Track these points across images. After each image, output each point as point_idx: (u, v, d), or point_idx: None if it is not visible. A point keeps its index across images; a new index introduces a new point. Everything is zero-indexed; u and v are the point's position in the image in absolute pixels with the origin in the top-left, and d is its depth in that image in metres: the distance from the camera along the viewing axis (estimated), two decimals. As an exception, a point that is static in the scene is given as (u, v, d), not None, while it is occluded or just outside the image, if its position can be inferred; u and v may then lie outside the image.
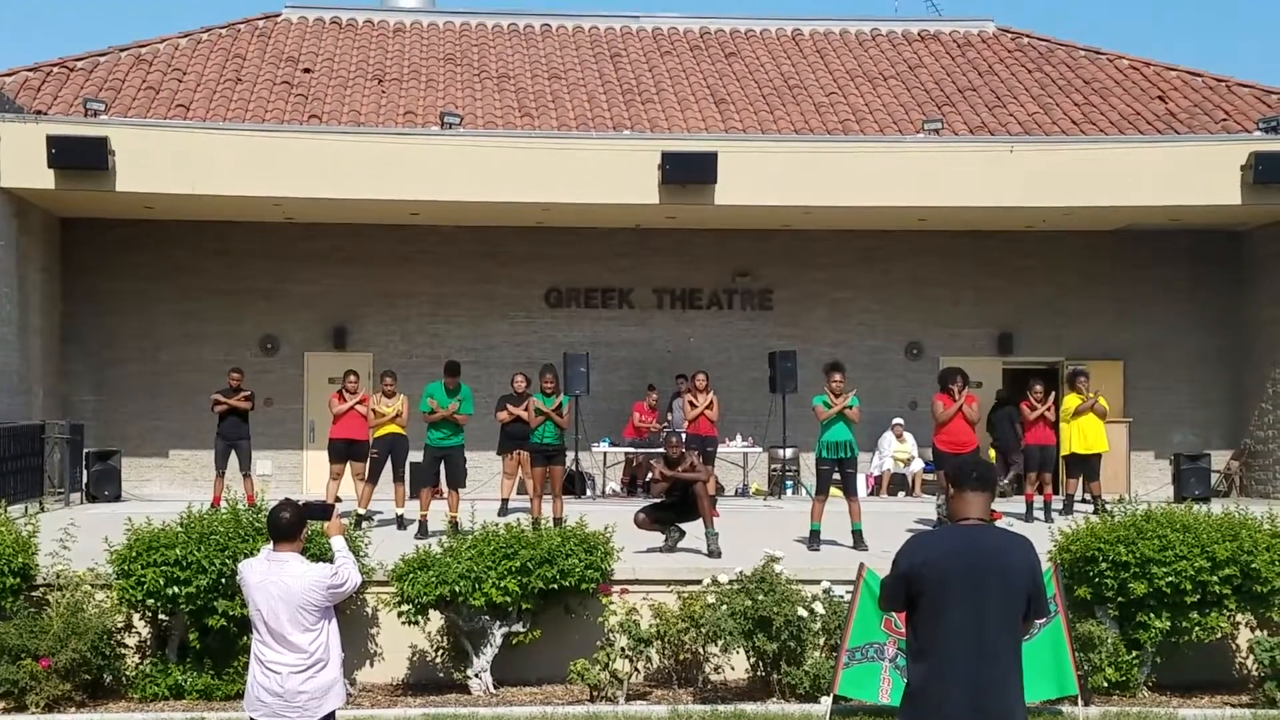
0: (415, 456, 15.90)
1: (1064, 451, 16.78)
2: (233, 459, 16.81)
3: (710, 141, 19.46)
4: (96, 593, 10.94)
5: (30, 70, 20.89)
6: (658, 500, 13.99)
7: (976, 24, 25.05)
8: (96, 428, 20.35)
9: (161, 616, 11.02)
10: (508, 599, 10.77)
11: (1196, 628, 10.91)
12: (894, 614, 6.13)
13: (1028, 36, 24.52)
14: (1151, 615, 10.86)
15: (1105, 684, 10.78)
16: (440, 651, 11.32)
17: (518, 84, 21.98)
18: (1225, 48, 67.49)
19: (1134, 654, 10.94)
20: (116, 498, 18.82)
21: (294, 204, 19.60)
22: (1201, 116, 21.05)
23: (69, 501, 18.08)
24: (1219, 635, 11.16)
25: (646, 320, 22.13)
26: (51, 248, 20.53)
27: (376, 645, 11.50)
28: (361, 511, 15.07)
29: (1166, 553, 10.78)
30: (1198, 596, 10.81)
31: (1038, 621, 6.07)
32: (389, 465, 15.54)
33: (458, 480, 15.04)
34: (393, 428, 15.38)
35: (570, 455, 18.03)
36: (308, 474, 21.11)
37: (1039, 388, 16.64)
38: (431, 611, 10.98)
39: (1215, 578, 10.78)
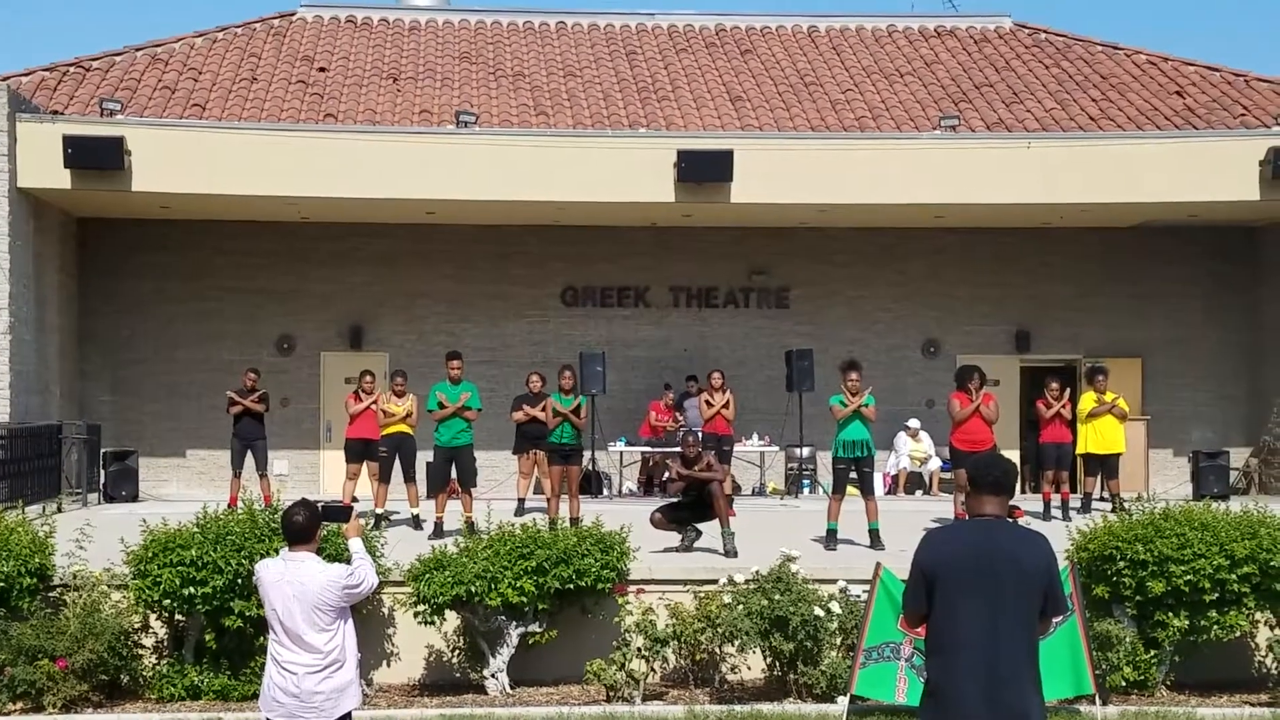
0: (424, 456, 15.93)
1: (1080, 451, 16.73)
2: (249, 459, 16.89)
3: (726, 140, 19.44)
4: (113, 593, 10.98)
5: (46, 70, 20.98)
6: (674, 500, 14.00)
7: (993, 19, 24.99)
8: (113, 428, 20.44)
9: (178, 617, 11.06)
10: (524, 599, 10.79)
11: (1215, 626, 10.87)
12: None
13: (1044, 32, 24.46)
14: (1169, 614, 10.83)
15: (1123, 683, 10.75)
16: (456, 652, 11.36)
17: (533, 82, 22.01)
18: (1243, 42, 67.23)
19: (1152, 653, 10.91)
20: (134, 498, 18.89)
21: (309, 203, 19.64)
22: (1219, 112, 20.95)
23: (86, 502, 18.15)
24: (1238, 634, 11.11)
25: (663, 319, 22.14)
26: (68, 248, 20.62)
27: (393, 645, 11.53)
28: (380, 511, 15.14)
29: (1185, 551, 10.75)
30: (1216, 595, 10.77)
31: (1054, 620, 6.06)
32: (399, 465, 15.57)
33: (469, 481, 15.06)
34: (401, 427, 15.42)
35: (587, 455, 18.03)
36: (324, 474, 21.17)
37: (1055, 385, 16.58)
38: (448, 612, 11.00)
39: (1234, 576, 10.74)
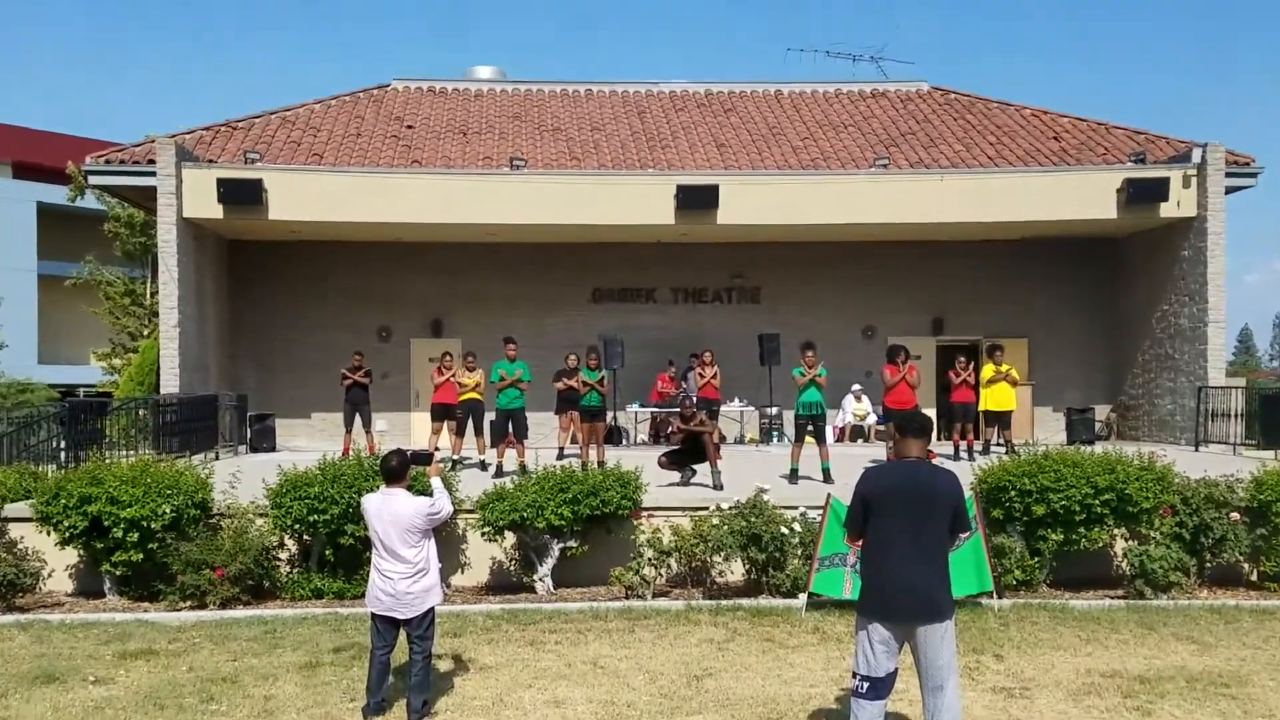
0: (490, 417, 15.90)
1: (981, 408, 16.67)
2: (357, 419, 16.88)
3: (713, 177, 19.33)
4: (257, 520, 11.03)
5: (204, 129, 20.94)
6: (675, 447, 13.99)
7: (914, 84, 24.78)
8: (256, 396, 20.50)
9: (305, 537, 11.12)
10: (563, 522, 10.80)
11: (1083, 539, 10.88)
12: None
13: (954, 93, 24.24)
14: (1049, 530, 10.84)
15: (1014, 582, 10.75)
16: (513, 562, 11.37)
17: (567, 135, 21.91)
18: (1107, 96, 66.78)
19: (1036, 560, 10.91)
20: (272, 449, 18.93)
21: (401, 228, 19.60)
22: (1086, 152, 20.78)
23: (236, 452, 18.20)
24: (1100, 545, 11.11)
25: (666, 312, 22.04)
26: (221, 262, 20.61)
27: (466, 557, 11.55)
28: (455, 457, 15.14)
29: (1060, 483, 10.74)
30: (1084, 515, 10.78)
31: (961, 535, 6.06)
32: (470, 423, 15.55)
33: (522, 434, 15.06)
34: (473, 395, 15.39)
35: (609, 414, 18.01)
36: (413, 430, 21.17)
37: (962, 359, 16.54)
38: (506, 532, 11.02)
39: (1097, 501, 10.75)
